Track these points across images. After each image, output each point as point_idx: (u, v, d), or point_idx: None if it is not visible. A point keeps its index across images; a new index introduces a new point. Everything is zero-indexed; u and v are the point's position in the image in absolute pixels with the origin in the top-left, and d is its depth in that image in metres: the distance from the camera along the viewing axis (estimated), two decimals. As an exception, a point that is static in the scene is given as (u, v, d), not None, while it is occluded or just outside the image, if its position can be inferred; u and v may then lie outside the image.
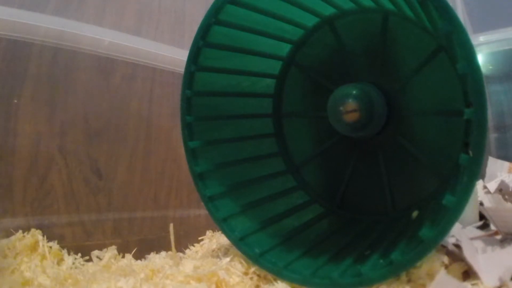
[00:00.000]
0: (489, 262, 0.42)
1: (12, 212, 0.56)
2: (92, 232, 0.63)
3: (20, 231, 0.55)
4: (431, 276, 0.40)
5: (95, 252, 0.60)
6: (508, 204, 0.62)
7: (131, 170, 0.69)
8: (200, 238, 0.73)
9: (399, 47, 0.52)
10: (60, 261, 0.55)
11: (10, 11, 0.58)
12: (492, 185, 0.71)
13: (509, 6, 0.96)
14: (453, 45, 0.36)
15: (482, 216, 0.56)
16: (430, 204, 0.48)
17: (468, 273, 0.42)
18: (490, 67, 0.96)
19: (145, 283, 0.45)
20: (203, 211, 0.57)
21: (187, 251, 0.68)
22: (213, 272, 0.45)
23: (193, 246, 0.70)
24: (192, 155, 0.53)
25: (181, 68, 0.59)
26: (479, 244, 0.47)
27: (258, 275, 0.47)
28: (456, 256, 0.44)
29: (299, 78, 0.61)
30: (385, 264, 0.40)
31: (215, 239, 0.71)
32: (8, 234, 0.54)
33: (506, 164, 0.80)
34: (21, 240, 0.54)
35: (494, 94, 0.97)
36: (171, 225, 0.57)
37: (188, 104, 0.53)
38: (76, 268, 0.55)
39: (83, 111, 0.64)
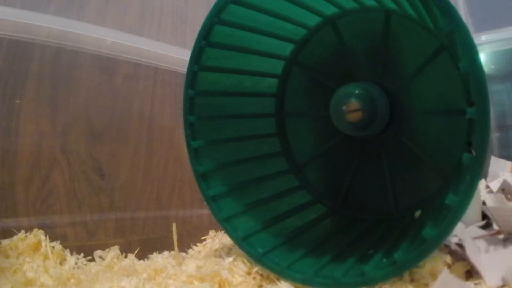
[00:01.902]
0: (492, 261, 0.42)
1: (15, 212, 0.56)
2: (95, 232, 0.63)
3: (23, 231, 0.55)
4: (434, 275, 0.40)
5: (98, 252, 0.60)
6: (511, 204, 0.62)
7: (134, 169, 0.69)
8: (202, 238, 0.73)
9: (401, 47, 0.52)
10: (62, 261, 0.55)
11: (12, 11, 0.58)
12: (495, 185, 0.71)
13: (511, 5, 0.96)
14: (455, 44, 0.36)
15: (484, 216, 0.56)
16: (433, 204, 0.48)
17: (471, 273, 0.42)
18: (492, 67, 0.96)
19: (148, 283, 0.45)
20: (205, 211, 0.57)
21: (189, 251, 0.68)
22: (216, 272, 0.45)
23: (196, 246, 0.70)
24: (195, 154, 0.53)
25: (183, 68, 0.59)
26: (481, 243, 0.47)
27: (261, 275, 0.47)
28: (459, 255, 0.44)
29: (301, 77, 0.61)
30: (388, 264, 0.39)
31: (217, 239, 0.71)
32: (10, 234, 0.54)
33: (509, 163, 0.80)
34: (24, 240, 0.54)
35: (496, 94, 0.97)
36: (174, 225, 0.58)
37: (191, 104, 0.53)
38: (78, 268, 0.55)
39: (86, 111, 0.64)
